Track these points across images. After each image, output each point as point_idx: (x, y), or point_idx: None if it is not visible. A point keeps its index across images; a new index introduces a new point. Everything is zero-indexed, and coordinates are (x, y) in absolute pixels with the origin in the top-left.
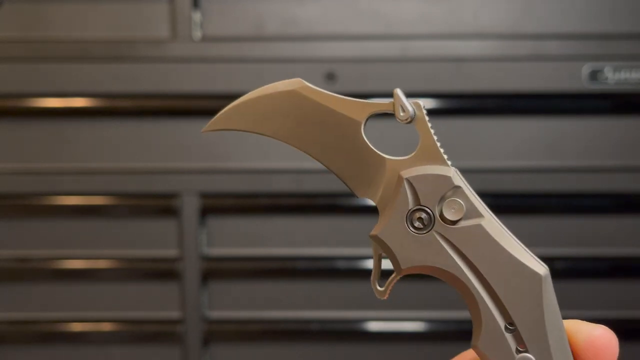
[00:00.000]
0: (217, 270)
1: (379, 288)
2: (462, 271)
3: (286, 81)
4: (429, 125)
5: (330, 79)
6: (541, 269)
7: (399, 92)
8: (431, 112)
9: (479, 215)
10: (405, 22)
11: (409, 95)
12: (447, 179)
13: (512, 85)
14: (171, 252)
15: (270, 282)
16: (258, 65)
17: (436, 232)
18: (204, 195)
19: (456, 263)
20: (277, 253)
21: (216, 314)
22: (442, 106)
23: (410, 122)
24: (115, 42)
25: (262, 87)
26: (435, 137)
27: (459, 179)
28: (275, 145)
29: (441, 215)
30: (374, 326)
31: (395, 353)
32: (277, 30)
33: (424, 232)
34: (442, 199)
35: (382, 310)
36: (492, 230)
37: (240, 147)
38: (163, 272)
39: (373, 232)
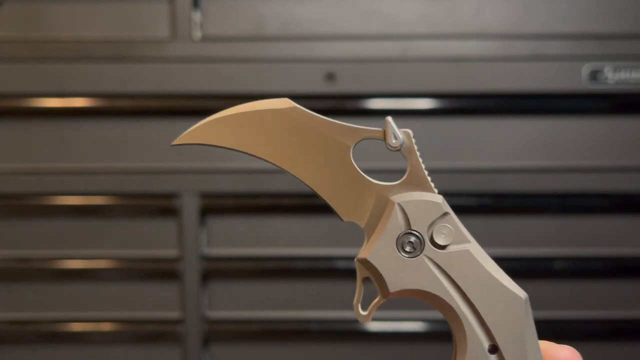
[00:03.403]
0: (217, 270)
1: (362, 312)
2: (450, 294)
3: (272, 100)
4: (418, 154)
5: (330, 79)
6: (522, 293)
7: (390, 120)
8: (431, 112)
9: (466, 240)
10: (405, 22)
11: (409, 95)
12: (438, 206)
13: (512, 85)
14: (171, 252)
15: (270, 282)
16: (258, 65)
17: (425, 256)
18: (204, 195)
19: (444, 286)
20: (277, 253)
21: (216, 314)
22: (442, 106)
23: (399, 149)
24: (115, 42)
25: (245, 104)
26: (423, 166)
27: (447, 206)
28: None
29: (431, 240)
30: (374, 326)
31: (395, 353)
32: (277, 30)
33: (414, 256)
34: (432, 224)
35: (382, 310)
36: (478, 255)
37: None
38: (163, 272)
39: (361, 256)
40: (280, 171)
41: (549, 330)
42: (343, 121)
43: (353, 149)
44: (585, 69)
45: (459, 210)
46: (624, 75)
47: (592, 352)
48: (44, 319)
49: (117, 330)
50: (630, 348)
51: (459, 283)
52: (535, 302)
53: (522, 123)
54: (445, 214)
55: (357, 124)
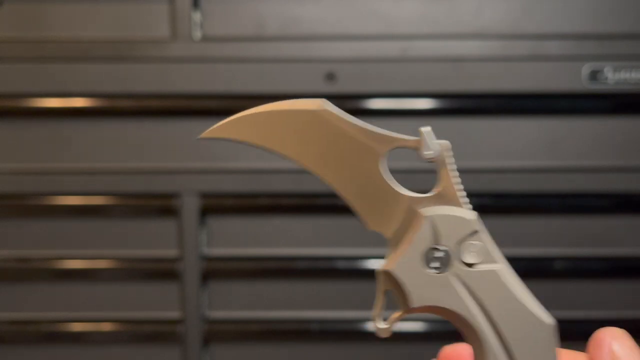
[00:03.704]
0: (217, 270)
1: (381, 326)
2: (474, 314)
3: (307, 100)
4: (454, 167)
5: (330, 79)
6: (550, 319)
7: (427, 130)
8: (431, 112)
9: (495, 261)
10: (405, 22)
11: (409, 95)
12: (469, 222)
13: (512, 85)
14: (171, 252)
15: (270, 282)
16: (258, 65)
17: (452, 273)
18: (204, 195)
19: (468, 306)
20: (277, 253)
21: (216, 314)
22: (442, 106)
23: (433, 161)
24: (115, 42)
25: (279, 102)
26: (457, 180)
27: (479, 224)
28: None
29: (459, 257)
30: (374, 326)
31: (395, 353)
32: (277, 30)
33: (440, 272)
34: (462, 241)
35: (382, 310)
36: (506, 277)
37: (240, 147)
38: (163, 272)
39: (385, 267)
40: (280, 171)
41: None
42: None
43: (385, 156)
44: (585, 69)
45: None
46: (624, 75)
47: None
48: (44, 319)
49: (117, 330)
50: None
51: (485, 304)
52: None
53: (522, 123)
54: (476, 231)
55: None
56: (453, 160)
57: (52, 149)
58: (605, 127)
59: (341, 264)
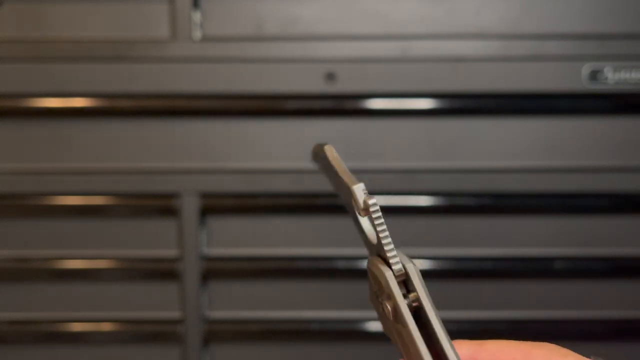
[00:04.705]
0: (217, 270)
1: None
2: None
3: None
4: (377, 222)
5: (330, 79)
6: None
7: (354, 188)
8: (431, 112)
9: (403, 323)
10: (405, 22)
11: (409, 95)
12: (379, 285)
13: (512, 85)
14: (171, 252)
15: (270, 282)
16: (258, 65)
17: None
18: (204, 195)
19: (405, 351)
20: (277, 253)
21: (216, 314)
22: (442, 106)
23: (367, 215)
24: (115, 42)
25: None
26: (383, 234)
27: (393, 283)
28: (275, 145)
29: None
30: (374, 326)
31: (395, 353)
32: (277, 30)
33: (388, 315)
34: (384, 298)
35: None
36: (408, 339)
37: (240, 147)
38: (163, 272)
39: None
40: (280, 171)
41: (549, 330)
42: (343, 122)
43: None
44: (585, 69)
45: (459, 210)
46: (624, 75)
47: (592, 352)
48: (44, 319)
49: (117, 330)
50: (630, 348)
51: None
52: (535, 302)
53: (522, 123)
54: (387, 295)
55: (357, 124)
56: (379, 214)
57: (52, 149)
58: (605, 127)
59: (341, 264)
